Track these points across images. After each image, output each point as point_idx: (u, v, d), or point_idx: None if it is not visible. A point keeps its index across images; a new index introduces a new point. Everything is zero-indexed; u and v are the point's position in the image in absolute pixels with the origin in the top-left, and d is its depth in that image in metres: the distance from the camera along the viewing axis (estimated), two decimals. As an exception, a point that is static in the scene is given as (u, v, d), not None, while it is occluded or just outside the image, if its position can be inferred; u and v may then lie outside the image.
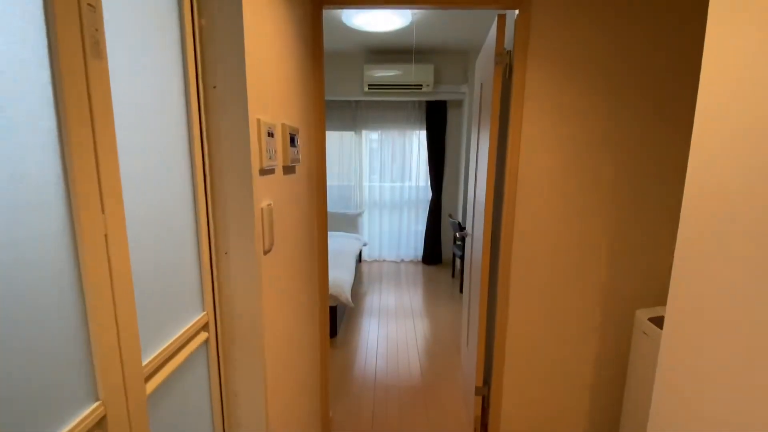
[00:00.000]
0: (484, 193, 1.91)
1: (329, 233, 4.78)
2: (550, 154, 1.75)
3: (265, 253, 1.07)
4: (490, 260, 1.95)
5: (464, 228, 4.08)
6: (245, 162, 0.95)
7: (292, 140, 1.28)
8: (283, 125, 1.21)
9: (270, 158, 1.06)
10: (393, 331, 3.40)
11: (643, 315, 1.65)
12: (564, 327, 1.86)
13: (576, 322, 1.85)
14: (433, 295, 4.23)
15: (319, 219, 1.92)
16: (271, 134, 1.07)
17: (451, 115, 5.06)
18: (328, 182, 5.31)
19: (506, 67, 1.79)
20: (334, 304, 3.11)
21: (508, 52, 1.77)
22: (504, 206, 1.81)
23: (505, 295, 1.87)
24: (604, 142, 1.71)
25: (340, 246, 4.16)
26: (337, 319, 3.23)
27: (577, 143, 1.72)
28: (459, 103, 5.02)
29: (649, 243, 1.76)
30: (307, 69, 1.69)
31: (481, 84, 2.19)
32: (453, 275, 4.75)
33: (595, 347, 1.87)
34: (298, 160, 1.38)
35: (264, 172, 1.06)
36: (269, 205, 1.08)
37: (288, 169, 1.31)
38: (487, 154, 1.89)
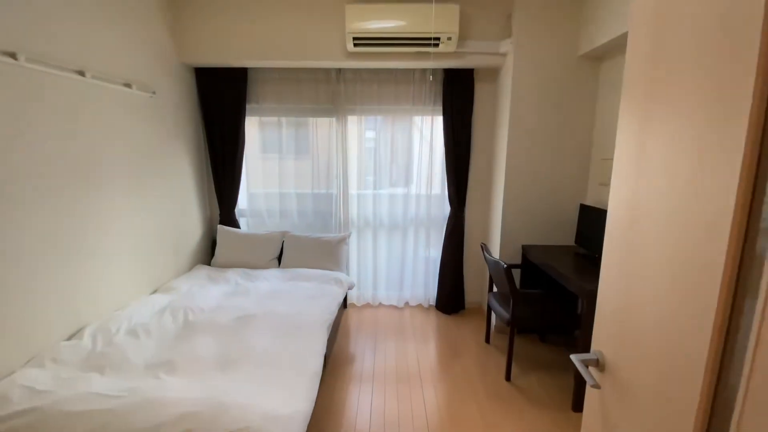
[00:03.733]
0: None
1: (289, 273, 3.06)
2: None
3: None
4: None
5: (506, 266, 2.36)
6: None
7: None
8: None
9: None
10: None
11: None
12: None
13: None
14: (462, 374, 2.53)
15: None
16: None
17: (481, 91, 3.34)
18: (295, 190, 3.60)
19: None
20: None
21: None
22: None
23: None
24: None
25: (303, 304, 2.45)
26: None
27: None
28: (493, 72, 3.30)
29: None
30: None
31: None
32: (488, 339, 3.05)
33: None
34: None
35: None
36: None
37: None
38: None
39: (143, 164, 2.67)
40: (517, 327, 2.46)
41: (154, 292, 2.72)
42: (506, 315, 2.48)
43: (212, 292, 2.67)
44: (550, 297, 2.67)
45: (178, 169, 3.10)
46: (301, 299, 2.54)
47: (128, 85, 2.45)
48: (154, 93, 2.72)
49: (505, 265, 2.33)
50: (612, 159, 2.75)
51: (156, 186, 2.81)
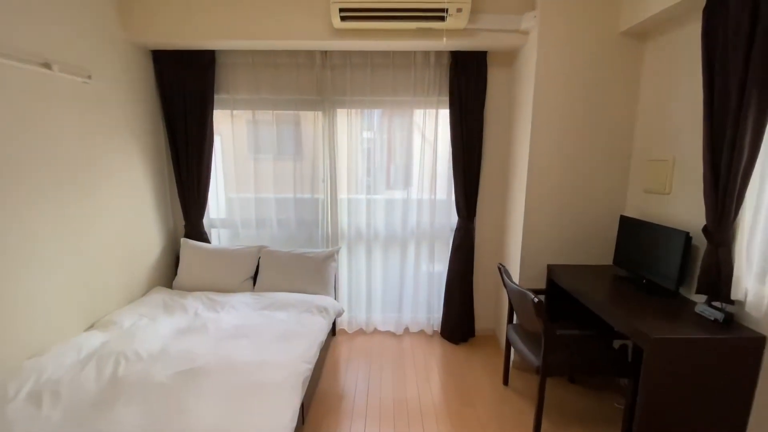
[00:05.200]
0: None
1: (263, 298, 2.50)
2: None
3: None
4: None
5: (536, 300, 1.81)
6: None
7: None
8: None
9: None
10: None
11: None
12: None
13: None
14: (476, 429, 1.99)
15: None
16: None
17: (495, 78, 2.80)
18: (274, 195, 3.05)
19: None
20: None
21: None
22: None
23: None
24: None
25: (272, 348, 1.90)
26: None
27: None
28: (511, 56, 2.76)
29: None
30: None
31: None
32: (506, 380, 2.49)
33: None
34: None
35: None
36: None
37: None
38: None
39: (77, 165, 2.12)
40: (548, 374, 1.92)
41: (90, 327, 2.17)
42: (535, 360, 1.93)
43: (161, 327, 2.12)
44: (590, 338, 2.12)
45: (130, 171, 2.55)
46: (272, 340, 1.99)
47: (47, 66, 1.89)
48: (89, 78, 2.17)
49: (536, 300, 1.78)
50: (664, 160, 1.99)
51: (98, 192, 2.26)
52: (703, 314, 1.73)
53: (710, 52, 1.71)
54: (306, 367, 1.77)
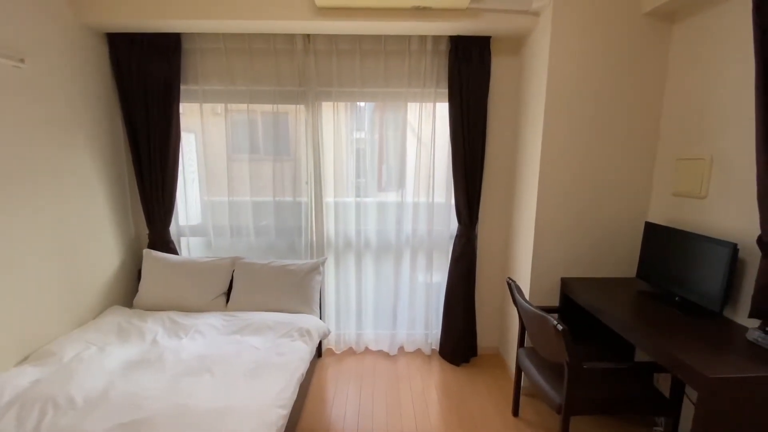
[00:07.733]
0: None
1: (236, 320, 2.14)
2: None
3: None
4: None
5: (561, 327, 1.50)
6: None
7: None
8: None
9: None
10: None
11: None
12: None
13: None
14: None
15: None
16: None
17: (500, 67, 2.50)
18: (251, 198, 2.70)
19: None
20: None
21: None
22: None
23: None
24: None
25: (239, 388, 1.56)
26: None
27: None
28: (517, 42, 2.46)
29: None
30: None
31: None
32: (515, 410, 2.18)
33: None
34: None
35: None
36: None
37: None
38: None
39: (6, 165, 1.76)
40: (571, 414, 1.61)
41: (24, 360, 1.81)
42: (555, 397, 1.62)
43: (109, 360, 1.77)
44: (623, 371, 1.81)
45: (77, 171, 2.18)
46: (241, 375, 1.65)
47: (-42, 43, 1.54)
48: (22, 61, 1.81)
49: (560, 327, 1.47)
50: (700, 159, 1.67)
51: (34, 196, 1.89)
52: (757, 342, 1.45)
53: (766, 23, 1.42)
54: (280, 414, 1.44)
